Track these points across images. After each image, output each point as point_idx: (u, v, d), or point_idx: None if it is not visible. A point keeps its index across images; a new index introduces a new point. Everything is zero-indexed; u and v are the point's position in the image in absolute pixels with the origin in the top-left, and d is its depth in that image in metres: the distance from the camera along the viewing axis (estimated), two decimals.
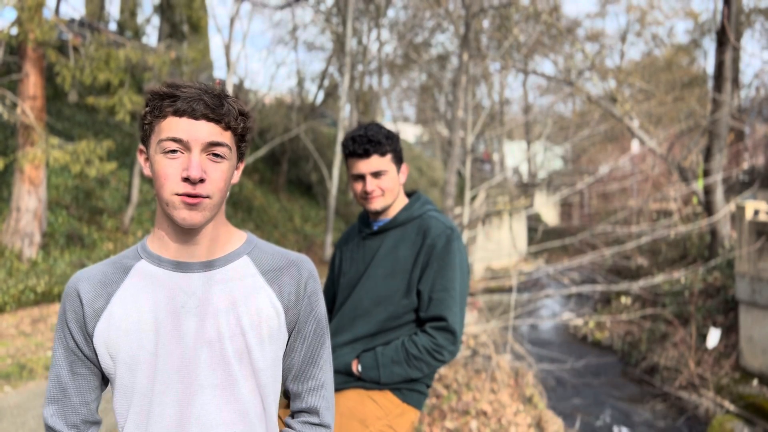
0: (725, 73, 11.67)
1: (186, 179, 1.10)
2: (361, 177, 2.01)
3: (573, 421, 8.36)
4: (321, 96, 20.80)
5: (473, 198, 19.93)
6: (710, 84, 16.96)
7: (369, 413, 1.88)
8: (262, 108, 18.86)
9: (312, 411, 1.31)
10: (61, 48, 10.64)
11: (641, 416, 9.24)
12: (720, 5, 12.33)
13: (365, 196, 2.02)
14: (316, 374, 1.31)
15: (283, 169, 20.25)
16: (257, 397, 1.21)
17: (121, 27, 17.66)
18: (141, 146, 1.20)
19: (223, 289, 1.20)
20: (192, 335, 1.16)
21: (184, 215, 1.11)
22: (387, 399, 1.92)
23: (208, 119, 1.12)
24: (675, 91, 19.21)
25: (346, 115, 20.42)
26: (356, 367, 1.91)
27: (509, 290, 11.02)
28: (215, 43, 50.47)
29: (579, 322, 13.44)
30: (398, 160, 2.06)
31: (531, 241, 22.38)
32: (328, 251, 15.81)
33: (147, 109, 1.15)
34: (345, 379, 1.93)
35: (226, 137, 1.15)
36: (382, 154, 1.98)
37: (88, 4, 20.85)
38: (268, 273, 1.25)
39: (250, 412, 1.20)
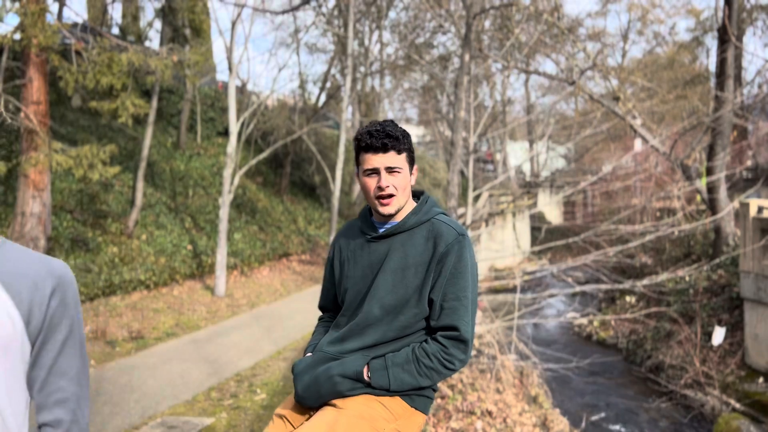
0: (728, 71, 11.64)
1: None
2: (375, 172, 1.95)
3: (578, 420, 8.35)
4: (323, 98, 20.83)
5: (476, 198, 19.93)
6: (713, 81, 16.92)
7: (378, 416, 1.88)
8: (265, 110, 18.90)
9: (56, 424, 1.23)
10: (64, 53, 10.69)
11: (647, 415, 9.22)
12: (721, 2, 12.29)
13: (379, 192, 1.95)
14: (64, 386, 1.24)
15: (286, 171, 20.28)
16: None
17: (124, 31, 17.72)
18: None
19: None
20: None
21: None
22: (396, 404, 1.93)
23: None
24: (677, 89, 19.20)
25: (349, 117, 20.44)
26: (366, 374, 1.92)
27: (513, 290, 11.00)
28: (217, 46, 50.84)
29: (583, 321, 13.42)
30: (411, 161, 2.02)
31: (534, 240, 22.36)
32: None
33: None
34: (354, 386, 1.93)
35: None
36: (399, 151, 1.94)
37: (91, 9, 20.94)
38: (5, 277, 1.19)
39: None
